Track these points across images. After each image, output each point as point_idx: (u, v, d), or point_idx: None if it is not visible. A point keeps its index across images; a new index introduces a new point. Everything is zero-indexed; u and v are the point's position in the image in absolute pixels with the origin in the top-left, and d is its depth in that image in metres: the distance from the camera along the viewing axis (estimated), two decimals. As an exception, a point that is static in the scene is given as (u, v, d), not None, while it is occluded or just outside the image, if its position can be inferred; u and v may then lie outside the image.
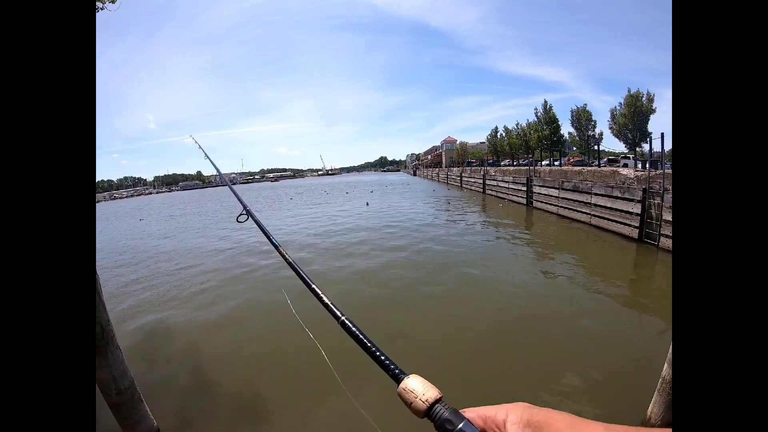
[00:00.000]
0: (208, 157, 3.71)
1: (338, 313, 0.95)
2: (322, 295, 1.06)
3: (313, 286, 1.13)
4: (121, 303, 8.63)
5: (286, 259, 1.41)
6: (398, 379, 0.68)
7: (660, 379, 3.47)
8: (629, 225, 12.45)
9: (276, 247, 1.58)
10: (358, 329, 0.87)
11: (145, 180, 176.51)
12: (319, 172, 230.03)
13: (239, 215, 2.31)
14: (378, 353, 0.77)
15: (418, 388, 0.63)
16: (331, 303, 1.01)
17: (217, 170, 3.69)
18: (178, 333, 6.73)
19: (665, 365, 3.38)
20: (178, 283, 10.09)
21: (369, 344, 0.81)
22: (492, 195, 30.88)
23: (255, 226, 1.95)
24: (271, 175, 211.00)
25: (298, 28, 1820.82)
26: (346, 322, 0.90)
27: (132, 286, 10.16)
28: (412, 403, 0.62)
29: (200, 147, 3.89)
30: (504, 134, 47.91)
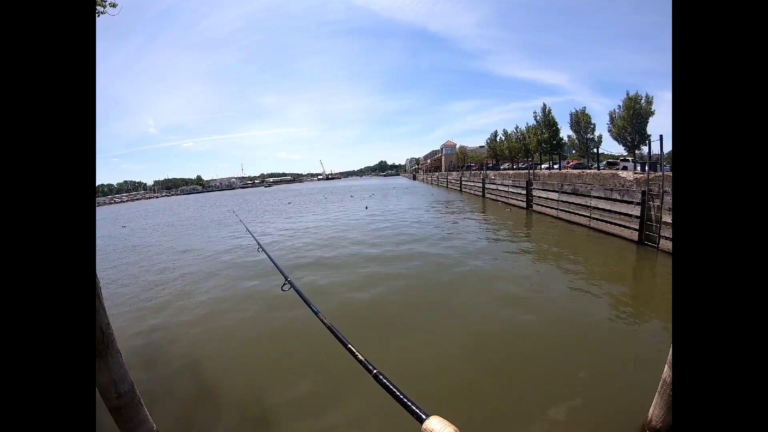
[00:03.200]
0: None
1: (371, 368, 1.09)
2: (357, 353, 1.23)
3: (349, 345, 1.31)
4: (121, 306, 8.63)
5: (325, 325, 1.60)
6: (421, 420, 0.74)
7: (660, 381, 3.47)
8: (629, 227, 12.46)
9: (316, 314, 1.77)
10: (387, 380, 0.98)
11: (145, 184, 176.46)
12: (319, 177, 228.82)
13: (283, 285, 2.54)
14: (405, 399, 0.86)
15: (437, 428, 0.68)
16: (365, 359, 1.17)
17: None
18: (179, 337, 6.72)
19: (666, 367, 3.38)
20: (180, 287, 10.09)
21: (399, 393, 0.90)
22: (491, 199, 30.92)
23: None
24: (271, 179, 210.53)
25: (297, 33, 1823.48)
26: (379, 375, 1.03)
27: (132, 288, 10.16)
28: None
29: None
30: (503, 138, 48.00)
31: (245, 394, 4.79)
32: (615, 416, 4.07)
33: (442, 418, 0.71)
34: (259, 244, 4.00)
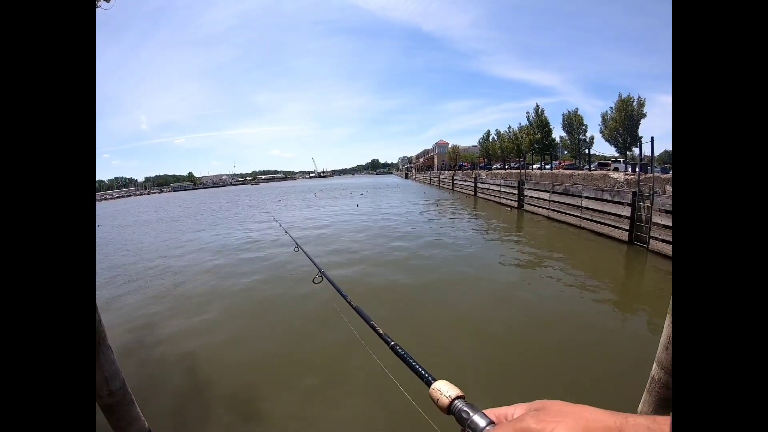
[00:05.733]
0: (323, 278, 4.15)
1: (389, 340, 1.22)
2: (378, 329, 1.36)
3: (372, 322, 1.45)
4: (112, 302, 8.55)
5: (353, 307, 1.77)
6: (429, 384, 0.82)
7: (649, 379, 3.51)
8: (619, 228, 12.59)
9: (344, 297, 1.96)
10: (403, 350, 1.08)
11: (136, 181, 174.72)
12: (311, 175, 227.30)
13: (315, 277, 2.69)
14: (418, 367, 0.96)
15: (444, 388, 0.75)
16: (384, 333, 1.31)
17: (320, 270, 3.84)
18: (170, 333, 6.68)
19: (654, 365, 3.41)
20: (171, 283, 10.02)
21: (413, 361, 1.00)
22: (483, 198, 31.03)
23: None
24: (263, 177, 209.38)
25: (292, 32, 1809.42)
26: (396, 347, 1.13)
27: (124, 285, 10.07)
28: (438, 399, 0.75)
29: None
30: (496, 138, 48.19)
31: (240, 391, 4.77)
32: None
33: (448, 381, 0.78)
34: (296, 242, 4.18)
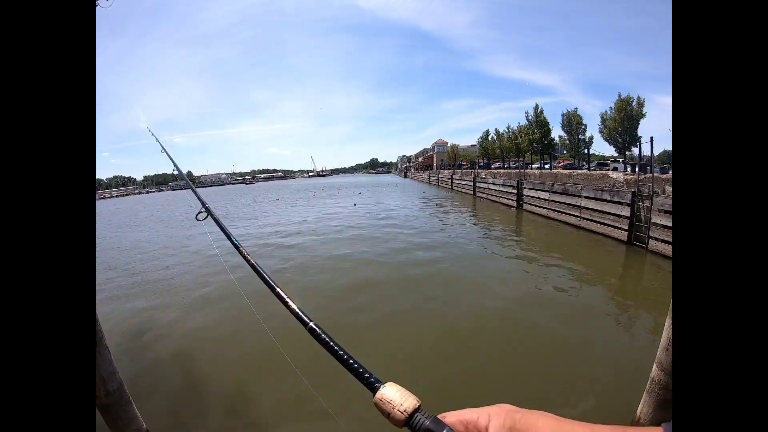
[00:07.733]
0: (165, 152, 3.76)
1: (306, 319, 0.89)
2: (288, 300, 0.99)
3: (278, 290, 1.06)
4: (109, 303, 8.53)
5: (248, 261, 1.30)
6: (374, 389, 0.65)
7: (649, 380, 3.51)
8: (618, 227, 12.58)
9: (237, 248, 1.46)
10: (327, 336, 0.81)
11: (135, 179, 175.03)
12: (310, 174, 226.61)
13: (198, 214, 2.20)
14: (351, 361, 0.73)
15: (396, 397, 0.60)
16: (298, 308, 0.95)
17: (176, 167, 3.45)
18: (167, 333, 6.65)
19: (654, 366, 3.42)
20: (168, 282, 9.99)
21: (341, 352, 0.75)
22: (483, 197, 31.01)
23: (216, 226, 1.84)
24: (262, 176, 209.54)
25: (291, 30, 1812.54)
26: (315, 328, 0.84)
27: (119, 285, 10.05)
28: (390, 413, 0.60)
29: (157, 140, 4.06)
30: (495, 137, 48.18)
31: (236, 390, 4.76)
32: (603, 415, 4.12)
33: (400, 386, 0.63)
34: (184, 175, 3.55)
